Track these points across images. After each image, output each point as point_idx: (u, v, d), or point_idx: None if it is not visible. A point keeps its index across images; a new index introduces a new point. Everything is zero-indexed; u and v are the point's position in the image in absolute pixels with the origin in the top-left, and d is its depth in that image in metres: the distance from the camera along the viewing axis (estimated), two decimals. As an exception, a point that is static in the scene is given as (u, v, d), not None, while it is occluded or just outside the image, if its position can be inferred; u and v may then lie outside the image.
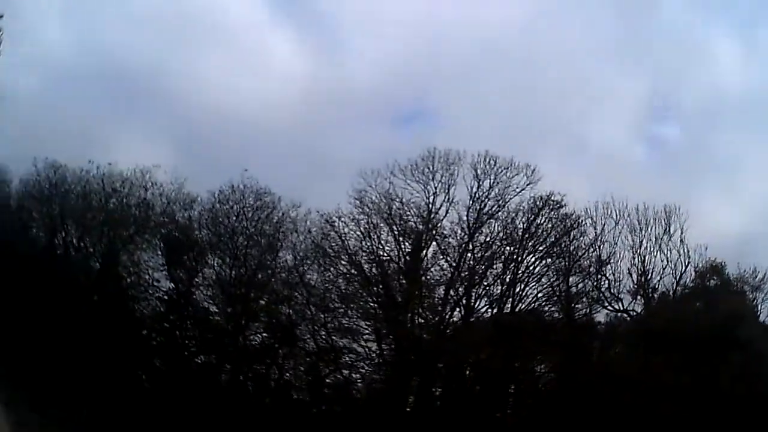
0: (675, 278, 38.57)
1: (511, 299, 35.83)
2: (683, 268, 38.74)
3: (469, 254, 35.53)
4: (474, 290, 35.64)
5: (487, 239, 35.60)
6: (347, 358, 35.64)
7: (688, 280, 39.50)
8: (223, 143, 53.48)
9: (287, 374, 36.37)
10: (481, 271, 35.55)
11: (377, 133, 62.42)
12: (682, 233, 38.52)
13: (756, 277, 41.73)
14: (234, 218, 35.85)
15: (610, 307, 37.80)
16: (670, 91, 76.07)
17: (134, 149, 46.23)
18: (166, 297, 36.77)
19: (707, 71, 75.23)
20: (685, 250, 38.55)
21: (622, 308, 37.98)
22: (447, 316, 35.54)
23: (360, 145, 58.23)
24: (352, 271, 35.16)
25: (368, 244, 35.30)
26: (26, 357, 32.13)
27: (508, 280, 35.67)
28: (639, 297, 38.19)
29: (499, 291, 35.72)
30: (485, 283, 35.75)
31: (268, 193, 35.79)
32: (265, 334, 36.23)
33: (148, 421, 30.62)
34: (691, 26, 75.19)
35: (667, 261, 38.38)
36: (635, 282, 37.89)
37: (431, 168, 35.48)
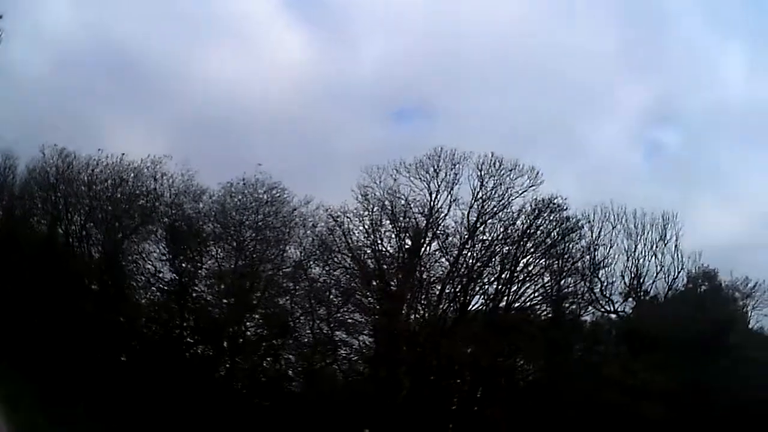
0: (667, 283, 39.84)
1: (506, 297, 36.64)
2: (676, 273, 40.04)
3: (468, 252, 36.33)
4: (470, 288, 36.40)
5: (487, 238, 36.38)
6: (343, 351, 36.33)
7: (680, 284, 40.78)
8: (231, 135, 54.54)
9: (281, 365, 36.75)
10: (478, 269, 36.34)
11: (379, 129, 64.22)
12: (677, 240, 39.85)
13: (747, 285, 43.15)
14: (243, 211, 36.30)
15: (601, 309, 38.87)
16: (673, 99, 78.11)
17: (141, 139, 46.94)
18: (166, 287, 37.10)
19: (713, 83, 77.56)
20: (679, 256, 39.89)
21: (612, 309, 39.09)
22: (442, 313, 36.21)
23: (362, 140, 59.70)
24: (354, 266, 35.84)
25: (371, 240, 36.03)
26: (24, 350, 32.28)
27: (504, 278, 36.45)
28: (630, 299, 39.33)
29: (494, 289, 36.49)
30: (481, 281, 36.58)
31: (278, 188, 36.42)
32: (262, 326, 36.57)
33: (144, 412, 30.69)
34: (701, 39, 77.46)
35: (661, 266, 39.65)
36: (627, 284, 39.04)
37: (436, 167, 36.24)
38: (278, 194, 36.42)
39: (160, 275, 37.05)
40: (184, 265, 36.75)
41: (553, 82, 70.98)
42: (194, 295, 36.78)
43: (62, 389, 29.47)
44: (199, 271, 36.82)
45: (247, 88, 64.48)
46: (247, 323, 36.53)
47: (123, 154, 37.81)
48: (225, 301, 36.25)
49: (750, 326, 44.27)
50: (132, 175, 37.65)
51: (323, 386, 35.93)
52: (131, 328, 36.58)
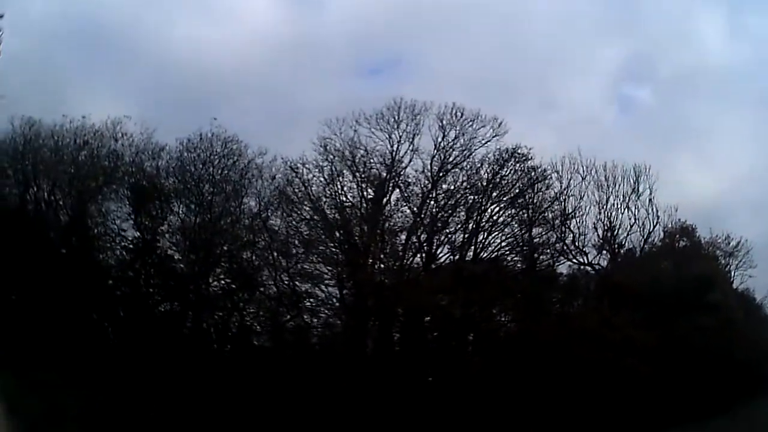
0: (642, 236, 39.01)
1: (473, 247, 35.84)
2: (651, 227, 39.21)
3: (432, 202, 35.77)
4: (436, 237, 35.79)
5: (451, 188, 35.82)
6: (308, 303, 35.48)
7: (656, 239, 39.81)
8: (195, 93, 54.07)
9: (248, 320, 35.95)
10: (443, 219, 35.67)
11: (346, 83, 64.22)
12: (651, 193, 39.09)
13: (729, 243, 42.01)
14: (201, 166, 35.92)
15: (574, 260, 37.87)
16: (649, 57, 77.63)
17: (107, 102, 47.04)
18: (131, 246, 36.71)
19: (689, 43, 77.94)
20: (654, 210, 39.11)
21: (586, 261, 37.98)
22: (408, 262, 35.50)
23: (328, 95, 59.60)
24: (315, 217, 35.28)
25: (331, 190, 35.52)
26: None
27: (470, 228, 35.74)
28: (605, 252, 38.31)
29: (461, 239, 35.75)
30: (447, 231, 35.99)
31: (235, 141, 35.99)
32: (226, 280, 35.92)
33: (116, 374, 29.84)
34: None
35: (635, 219, 38.89)
36: (600, 237, 38.14)
37: (396, 118, 35.73)
38: (235, 146, 36.12)
39: (124, 234, 36.66)
40: (147, 222, 36.42)
41: (526, 37, 70.35)
42: (158, 252, 36.34)
43: (35, 354, 28.78)
44: (161, 228, 36.42)
45: (212, 45, 64.68)
46: (211, 278, 35.85)
47: (83, 116, 37.73)
48: (190, 256, 35.75)
49: (735, 287, 42.95)
50: (93, 137, 37.60)
51: (290, 339, 35.06)
52: (98, 288, 36.16)
